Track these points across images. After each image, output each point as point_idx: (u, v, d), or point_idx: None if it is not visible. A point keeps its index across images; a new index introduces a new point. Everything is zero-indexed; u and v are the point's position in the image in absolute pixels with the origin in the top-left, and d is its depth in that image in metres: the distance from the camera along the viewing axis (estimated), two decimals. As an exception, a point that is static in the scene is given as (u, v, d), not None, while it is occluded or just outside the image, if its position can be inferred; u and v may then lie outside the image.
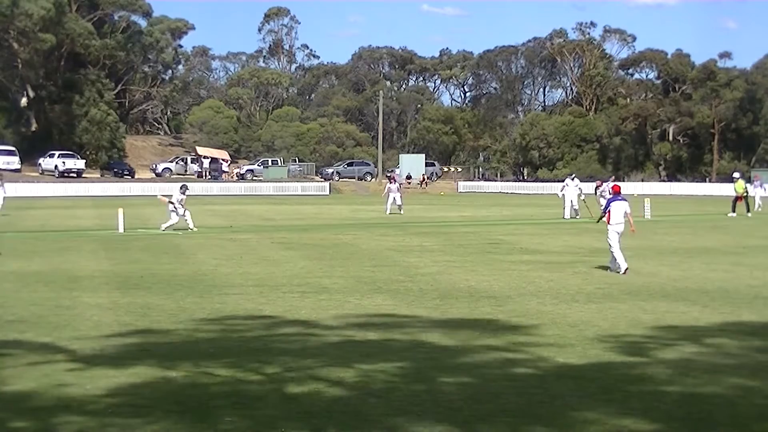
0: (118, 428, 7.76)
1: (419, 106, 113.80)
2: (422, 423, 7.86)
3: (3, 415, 8.19)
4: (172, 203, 29.74)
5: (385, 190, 43.70)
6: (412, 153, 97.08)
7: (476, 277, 18.03)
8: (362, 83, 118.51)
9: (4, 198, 39.05)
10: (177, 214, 29.53)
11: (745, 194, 40.09)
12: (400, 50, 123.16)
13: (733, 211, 39.72)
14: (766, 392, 9.15)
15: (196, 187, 72.20)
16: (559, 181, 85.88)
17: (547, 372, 9.81)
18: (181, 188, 30.14)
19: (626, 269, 18.60)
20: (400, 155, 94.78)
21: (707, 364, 10.30)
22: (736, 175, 43.76)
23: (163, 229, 29.15)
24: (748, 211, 39.39)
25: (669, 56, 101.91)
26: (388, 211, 41.61)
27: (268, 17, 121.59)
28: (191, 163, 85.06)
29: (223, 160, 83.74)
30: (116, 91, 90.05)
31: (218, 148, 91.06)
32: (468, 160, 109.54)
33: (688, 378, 9.59)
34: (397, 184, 44.17)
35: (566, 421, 7.94)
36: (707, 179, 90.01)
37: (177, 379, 9.46)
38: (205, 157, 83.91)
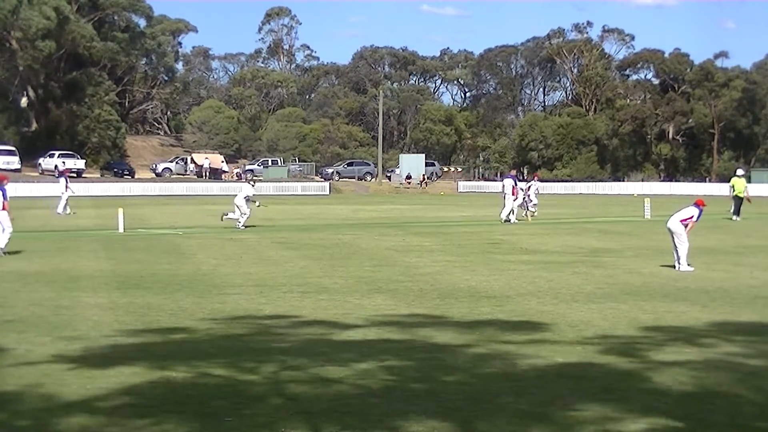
0: (118, 428, 7.75)
1: (419, 106, 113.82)
2: (422, 423, 7.86)
3: (3, 414, 8.19)
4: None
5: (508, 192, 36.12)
6: (413, 153, 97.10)
7: (476, 277, 18.03)
8: (363, 83, 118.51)
9: (68, 197, 39.32)
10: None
11: (741, 194, 36.26)
12: (401, 50, 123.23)
13: (738, 214, 36.30)
14: (767, 391, 9.15)
15: (196, 187, 72.41)
16: (560, 181, 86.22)
17: (546, 372, 9.81)
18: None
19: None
20: (400, 155, 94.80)
21: (707, 363, 10.30)
22: (740, 171, 38.94)
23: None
24: (738, 213, 36.39)
25: (667, 56, 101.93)
26: (506, 216, 35.14)
27: (269, 17, 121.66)
28: (190, 163, 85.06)
29: (222, 171, 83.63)
30: (116, 91, 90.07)
31: (214, 150, 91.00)
32: (468, 160, 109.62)
33: (688, 378, 9.59)
34: (512, 182, 36.50)
35: (566, 421, 7.94)
36: (707, 179, 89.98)
37: (177, 379, 9.45)
38: (200, 165, 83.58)
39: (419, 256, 22.42)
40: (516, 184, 34.96)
